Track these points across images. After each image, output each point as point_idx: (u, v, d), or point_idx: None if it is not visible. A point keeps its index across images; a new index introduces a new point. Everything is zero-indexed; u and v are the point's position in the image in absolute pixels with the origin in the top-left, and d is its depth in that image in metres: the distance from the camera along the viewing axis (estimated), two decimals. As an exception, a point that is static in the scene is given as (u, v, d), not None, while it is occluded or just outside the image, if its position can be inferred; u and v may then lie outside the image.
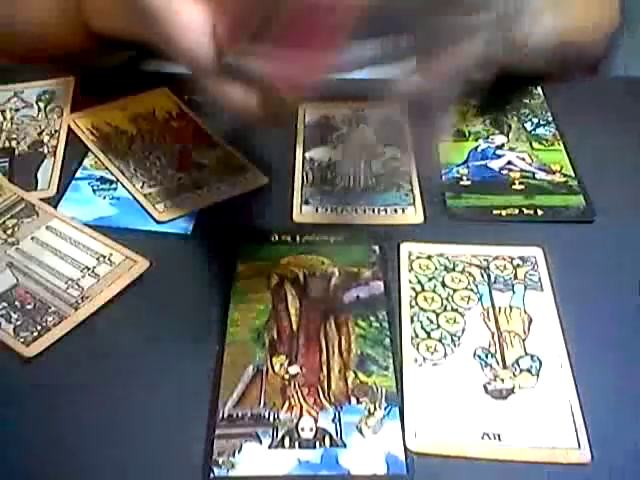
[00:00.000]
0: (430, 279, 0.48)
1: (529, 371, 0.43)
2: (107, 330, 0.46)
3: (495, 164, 0.58)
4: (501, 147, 0.59)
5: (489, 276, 0.49)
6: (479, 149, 0.59)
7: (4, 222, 0.52)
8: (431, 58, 0.41)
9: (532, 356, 0.44)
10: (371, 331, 0.45)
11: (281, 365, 0.43)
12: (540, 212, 0.53)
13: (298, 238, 0.51)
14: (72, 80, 0.65)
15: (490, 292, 0.48)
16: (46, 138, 0.60)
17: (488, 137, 0.60)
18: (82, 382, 0.43)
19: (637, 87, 0.66)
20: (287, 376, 0.43)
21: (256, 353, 0.44)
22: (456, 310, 0.46)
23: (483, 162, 0.58)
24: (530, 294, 0.47)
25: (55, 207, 0.53)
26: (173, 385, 0.43)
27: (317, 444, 0.39)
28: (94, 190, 0.55)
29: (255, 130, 0.60)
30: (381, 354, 0.44)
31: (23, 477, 0.39)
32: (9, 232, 0.51)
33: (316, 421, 0.40)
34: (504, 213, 0.53)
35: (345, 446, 0.39)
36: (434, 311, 0.46)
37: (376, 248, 0.50)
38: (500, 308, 0.47)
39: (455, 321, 0.46)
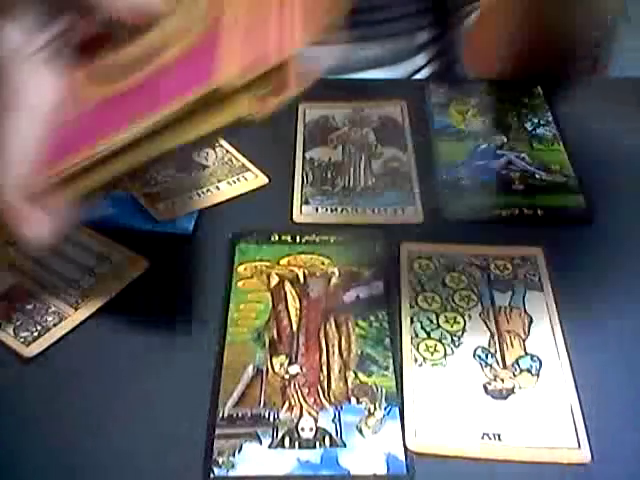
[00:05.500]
0: (430, 279, 0.48)
1: (529, 371, 0.43)
2: (107, 330, 0.46)
3: (495, 164, 0.58)
4: (501, 147, 0.59)
5: (489, 276, 0.49)
6: (479, 149, 0.59)
7: (4, 222, 0.52)
8: None
9: (532, 356, 0.44)
10: (371, 331, 0.45)
11: (281, 365, 0.43)
12: (540, 212, 0.53)
13: (298, 238, 0.51)
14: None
15: (490, 292, 0.48)
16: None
17: (488, 137, 0.60)
18: (82, 382, 0.43)
19: (637, 87, 0.66)
20: (287, 376, 0.43)
21: (256, 353, 0.44)
22: (456, 310, 0.46)
23: (483, 162, 0.58)
24: (530, 294, 0.47)
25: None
26: (173, 385, 0.43)
27: (317, 444, 0.39)
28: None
29: (255, 130, 0.60)
30: (381, 354, 0.44)
31: (23, 476, 0.39)
32: (9, 232, 0.51)
33: (316, 421, 0.40)
34: (504, 213, 0.53)
35: (345, 446, 0.39)
36: (434, 311, 0.46)
37: (376, 248, 0.50)
38: (500, 308, 0.47)
39: (455, 321, 0.46)
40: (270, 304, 0.47)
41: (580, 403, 0.41)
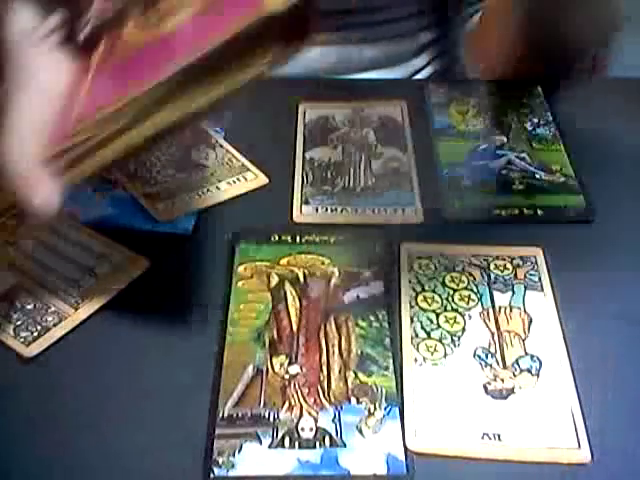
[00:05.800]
0: (430, 279, 0.48)
1: (529, 371, 0.43)
2: (107, 330, 0.46)
3: (495, 164, 0.58)
4: (501, 147, 0.59)
5: (489, 276, 0.49)
6: (479, 149, 0.59)
7: (4, 222, 0.52)
8: None
9: (532, 356, 0.44)
10: (371, 331, 0.45)
11: (281, 365, 0.43)
12: (540, 212, 0.53)
13: (298, 238, 0.51)
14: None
15: (490, 292, 0.48)
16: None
17: (488, 137, 0.60)
18: (82, 382, 0.43)
19: (637, 87, 0.66)
20: (287, 376, 0.43)
21: (256, 353, 0.44)
22: (456, 310, 0.46)
23: (483, 162, 0.58)
24: (530, 294, 0.47)
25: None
26: (173, 385, 0.43)
27: (317, 444, 0.39)
28: (94, 189, 0.55)
29: (255, 130, 0.60)
30: (381, 354, 0.44)
31: (22, 477, 0.39)
32: (9, 232, 0.51)
33: (316, 421, 0.40)
34: (504, 213, 0.53)
35: (345, 446, 0.39)
36: (434, 311, 0.46)
37: (376, 248, 0.50)
38: (500, 308, 0.47)
39: (455, 321, 0.46)
40: (270, 304, 0.47)
41: (580, 403, 0.41)
